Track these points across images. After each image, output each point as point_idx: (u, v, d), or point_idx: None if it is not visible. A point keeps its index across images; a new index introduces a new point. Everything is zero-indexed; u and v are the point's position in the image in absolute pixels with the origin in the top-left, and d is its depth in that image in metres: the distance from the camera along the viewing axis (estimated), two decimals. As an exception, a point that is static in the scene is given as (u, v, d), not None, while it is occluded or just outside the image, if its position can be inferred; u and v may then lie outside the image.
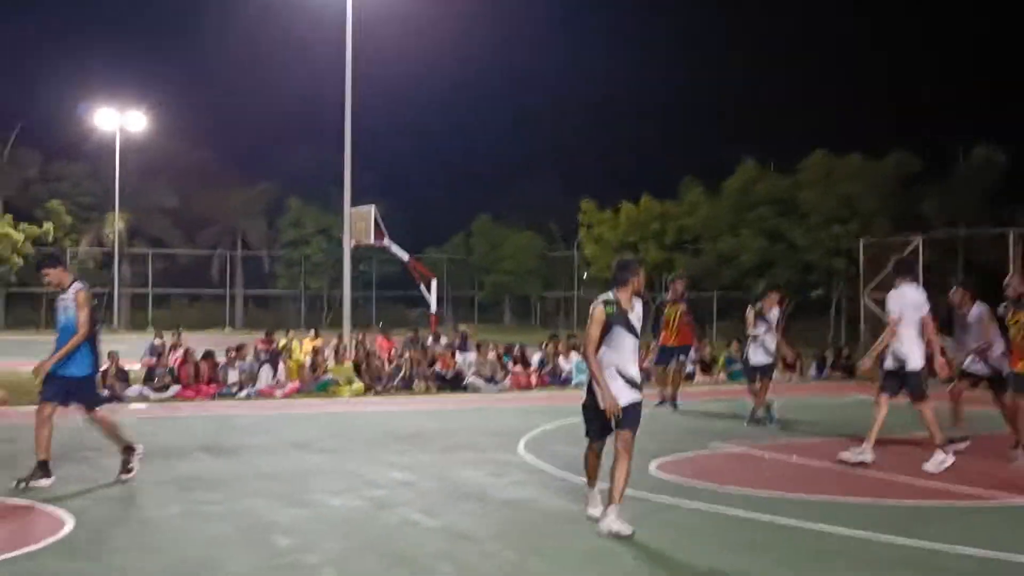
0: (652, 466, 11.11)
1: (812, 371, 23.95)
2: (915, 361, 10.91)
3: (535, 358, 22.07)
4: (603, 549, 7.71)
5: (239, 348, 19.95)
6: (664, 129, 62.56)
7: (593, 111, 70.70)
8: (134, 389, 18.18)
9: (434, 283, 31.20)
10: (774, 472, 11.10)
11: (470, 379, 20.63)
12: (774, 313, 14.98)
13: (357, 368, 20.24)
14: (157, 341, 24.99)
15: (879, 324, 17.60)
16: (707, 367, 23.05)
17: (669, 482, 10.29)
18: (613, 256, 44.26)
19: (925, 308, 10.99)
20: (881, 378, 11.24)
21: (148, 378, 18.71)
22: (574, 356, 21.47)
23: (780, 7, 69.75)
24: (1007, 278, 11.69)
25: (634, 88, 69.42)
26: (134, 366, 20.63)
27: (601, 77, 73.94)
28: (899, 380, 11.06)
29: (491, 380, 20.77)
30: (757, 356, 15.01)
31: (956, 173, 36.66)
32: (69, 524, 8.28)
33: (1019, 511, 9.24)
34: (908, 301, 10.95)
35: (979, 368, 12.09)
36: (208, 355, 19.46)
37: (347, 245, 28.26)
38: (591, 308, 8.12)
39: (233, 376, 18.98)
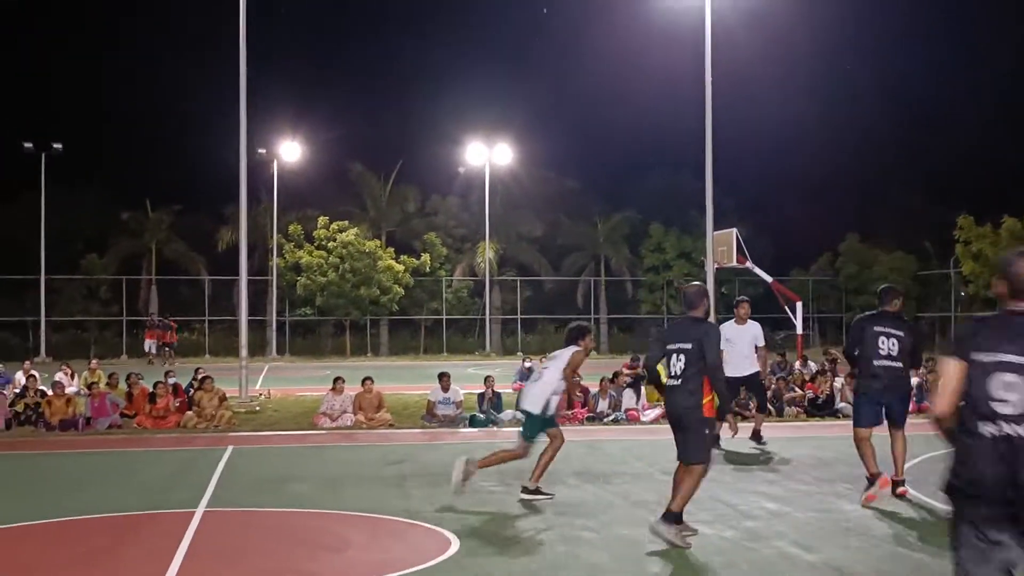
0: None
1: None
2: None
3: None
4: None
5: (614, 377, 20.17)
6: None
7: (963, 120, 66.54)
8: (507, 413, 18.80)
9: (799, 305, 30.47)
10: None
11: (841, 404, 19.87)
12: None
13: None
14: (526, 365, 25.86)
15: None
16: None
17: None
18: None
19: None
20: None
21: (520, 402, 19.30)
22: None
23: None
24: None
25: (1011, 92, 64.72)
26: (506, 389, 21.40)
27: (973, 83, 69.44)
28: None
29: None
30: None
31: None
32: (454, 545, 8.67)
33: None
34: None
35: None
36: (576, 382, 19.74)
37: (710, 269, 28.09)
38: None
39: (604, 406, 19.18)
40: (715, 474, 12.46)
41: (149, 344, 41.59)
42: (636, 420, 18.74)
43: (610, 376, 20.14)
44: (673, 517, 8.69)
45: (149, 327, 42.99)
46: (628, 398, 19.40)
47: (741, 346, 14.70)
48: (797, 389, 20.49)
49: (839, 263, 52.11)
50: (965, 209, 43.43)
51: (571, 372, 11.11)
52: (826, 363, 23.60)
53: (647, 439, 16.48)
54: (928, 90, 70.96)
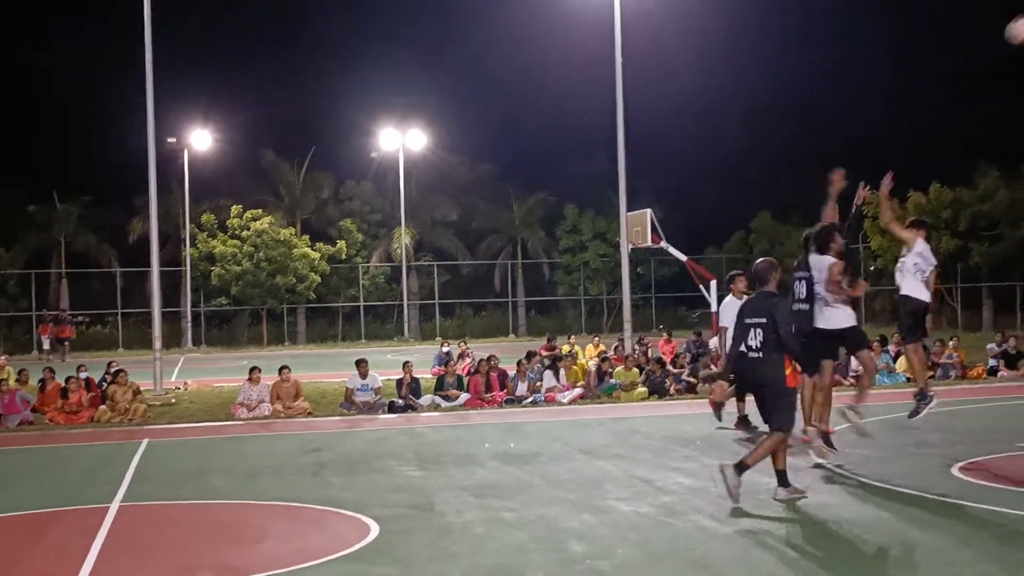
0: (954, 469, 10.61)
1: None
2: None
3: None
4: (898, 558, 7.37)
5: (529, 357, 20.21)
6: (953, 114, 59.08)
7: (872, 100, 67.85)
8: (426, 398, 18.80)
9: (713, 284, 30.82)
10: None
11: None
12: None
13: (640, 372, 20.21)
14: (444, 350, 25.86)
15: None
16: (1012, 362, 21.62)
17: (972, 484, 9.77)
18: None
19: None
20: None
21: (438, 387, 19.32)
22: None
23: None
24: None
25: (917, 74, 66.09)
26: (424, 375, 21.38)
27: (879, 64, 70.71)
28: None
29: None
30: None
31: None
32: (374, 530, 8.67)
33: None
34: None
35: None
36: (494, 364, 19.76)
37: (625, 249, 28.32)
38: None
39: (523, 388, 19.22)
40: (631, 451, 12.64)
41: (44, 340, 40.65)
42: (554, 401, 18.84)
43: (524, 357, 20.17)
44: (742, 468, 9.22)
45: (43, 321, 42.06)
46: (548, 379, 19.49)
47: None
48: (713, 367, 20.75)
49: (752, 240, 52.83)
50: (872, 184, 44.37)
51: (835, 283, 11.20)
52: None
53: (565, 419, 16.62)
54: (833, 69, 72.15)
